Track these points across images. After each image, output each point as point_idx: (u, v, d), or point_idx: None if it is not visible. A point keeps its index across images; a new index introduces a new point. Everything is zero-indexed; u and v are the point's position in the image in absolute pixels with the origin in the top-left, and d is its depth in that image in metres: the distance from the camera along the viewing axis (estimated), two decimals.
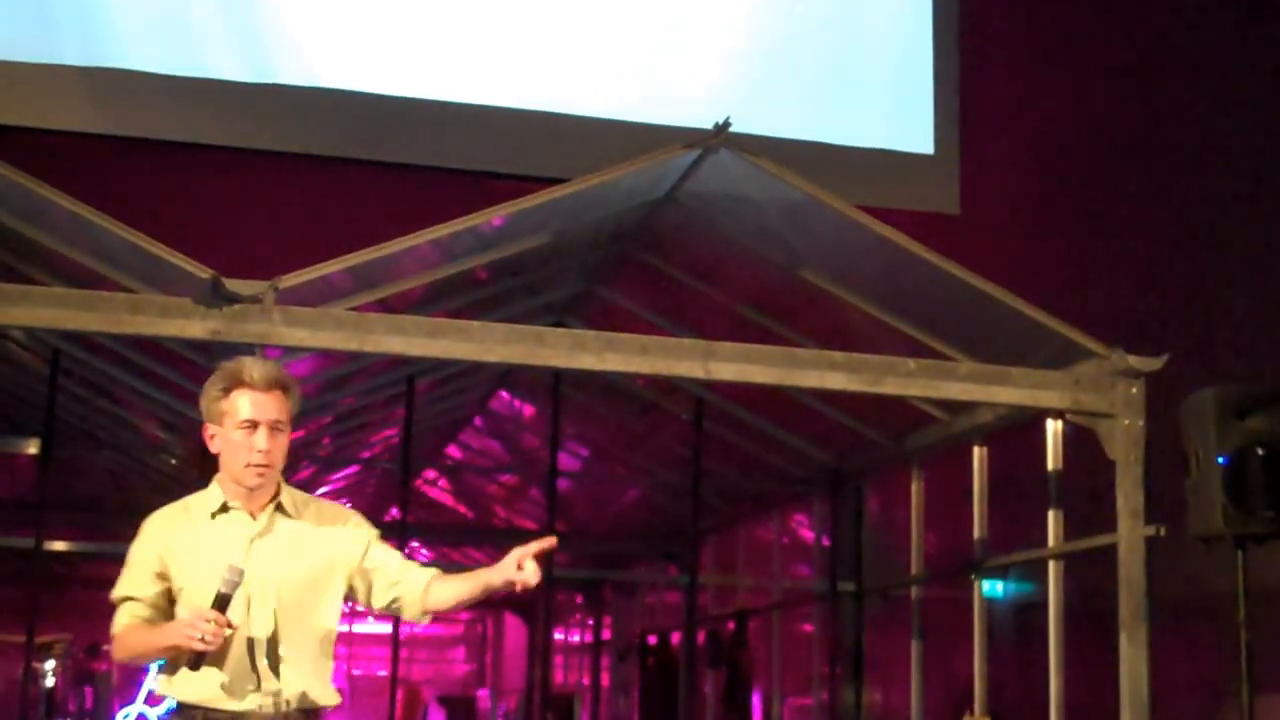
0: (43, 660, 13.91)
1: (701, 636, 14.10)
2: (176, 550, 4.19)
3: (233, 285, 7.19)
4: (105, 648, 15.82)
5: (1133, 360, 7.97)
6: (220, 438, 4.22)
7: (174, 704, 4.18)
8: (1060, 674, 8.83)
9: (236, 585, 4.00)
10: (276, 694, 4.13)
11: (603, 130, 12.47)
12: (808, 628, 13.25)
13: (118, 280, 8.12)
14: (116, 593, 4.23)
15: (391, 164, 12.53)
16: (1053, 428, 9.04)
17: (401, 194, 12.00)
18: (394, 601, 4.32)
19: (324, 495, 17.28)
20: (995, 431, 9.67)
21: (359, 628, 24.98)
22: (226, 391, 4.20)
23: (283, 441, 4.24)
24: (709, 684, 14.29)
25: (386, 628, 19.01)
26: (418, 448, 13.18)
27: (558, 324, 10.38)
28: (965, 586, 9.96)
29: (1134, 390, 8.02)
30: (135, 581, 4.20)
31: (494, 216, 8.08)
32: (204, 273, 7.16)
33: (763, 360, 7.88)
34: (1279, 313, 11.16)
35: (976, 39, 13.46)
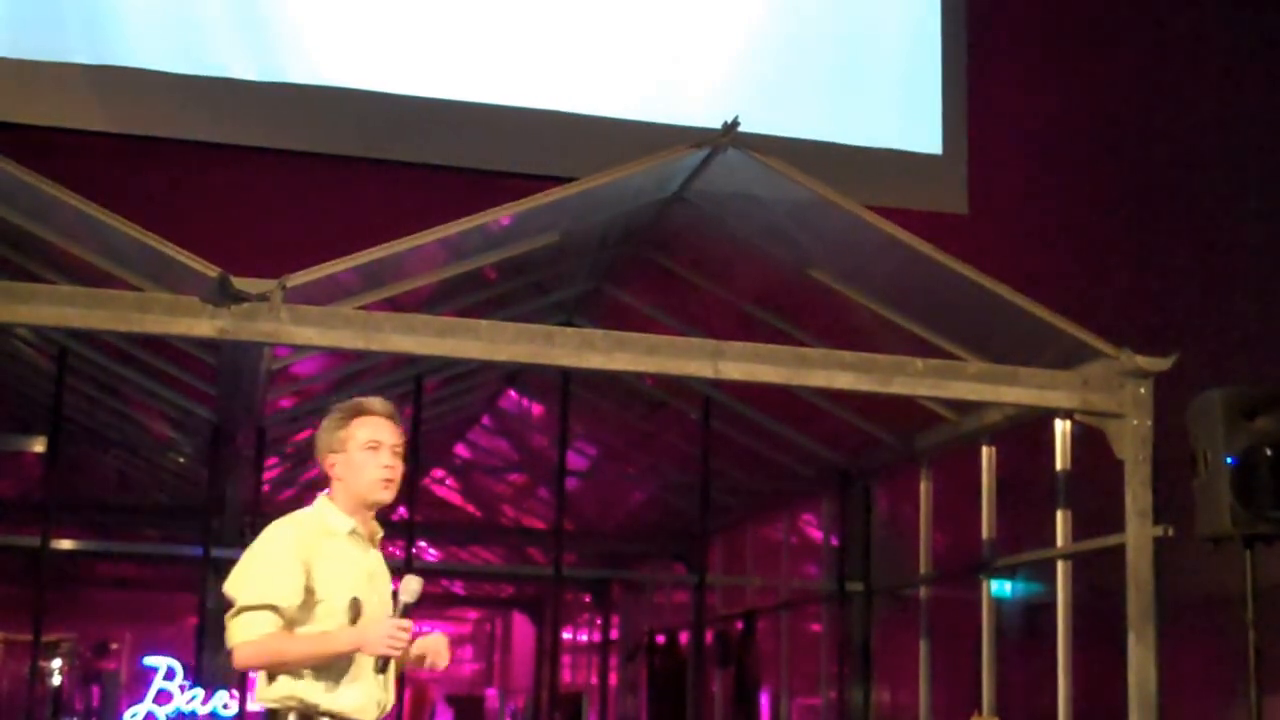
0: (49, 659, 13.93)
1: (710, 636, 14.09)
2: (320, 564, 4.36)
3: (241, 284, 7.19)
4: (113, 646, 15.86)
5: (1141, 361, 7.97)
6: (343, 462, 4.48)
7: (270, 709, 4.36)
8: (1068, 674, 8.82)
9: (417, 594, 4.32)
10: (384, 704, 4.46)
11: (612, 129, 12.45)
12: (816, 627, 13.24)
13: (126, 278, 8.12)
14: (254, 598, 4.29)
15: (400, 163, 12.52)
16: (1061, 428, 9.04)
17: (410, 193, 11.99)
18: None
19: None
20: (1004, 431, 9.66)
21: None
22: (347, 421, 4.51)
23: (401, 467, 4.53)
24: (717, 683, 14.28)
25: None
26: (426, 447, 13.19)
27: (566, 323, 10.38)
28: (974, 586, 9.95)
29: (1142, 390, 8.02)
30: (283, 590, 4.30)
31: (503, 215, 8.09)
32: (212, 271, 7.16)
33: (771, 360, 7.88)
34: None
35: (985, 38, 13.44)
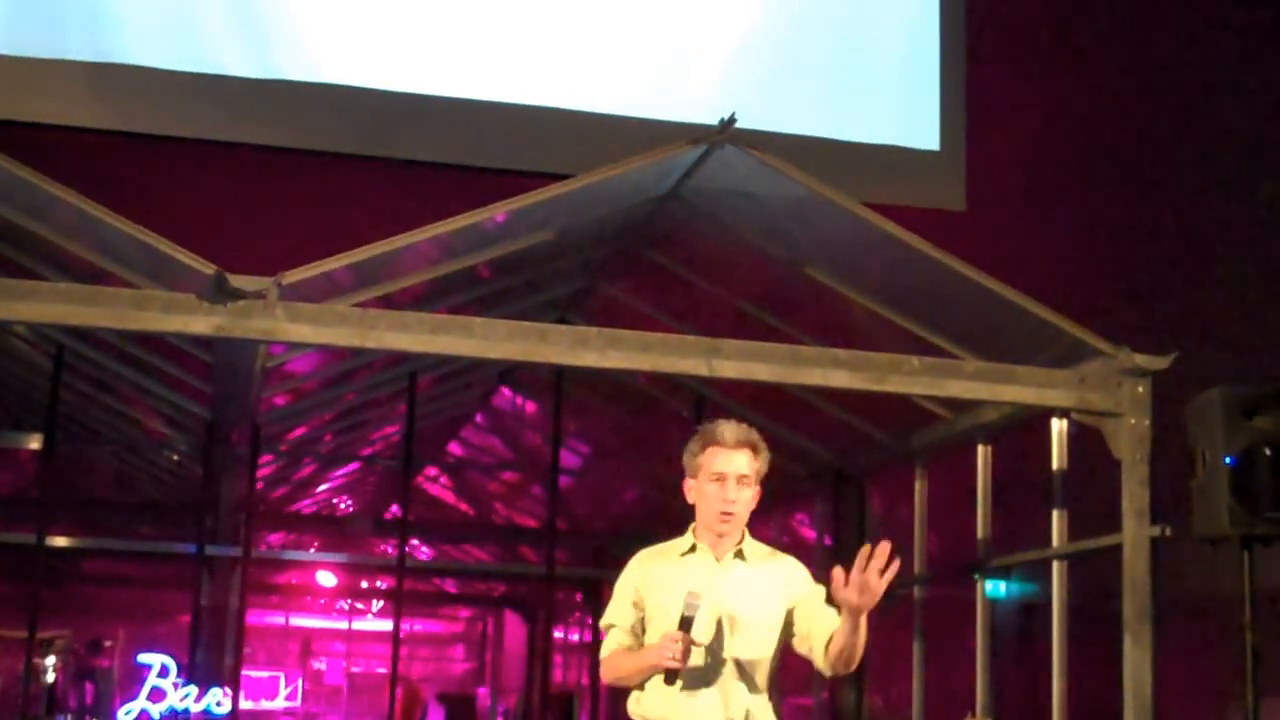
0: (43, 656, 13.90)
1: None
2: (651, 583, 4.78)
3: (237, 281, 7.18)
4: (107, 644, 15.83)
5: (1139, 359, 7.96)
6: (695, 489, 4.82)
7: None
8: (1063, 675, 8.80)
9: (696, 608, 4.52)
10: (727, 717, 4.65)
11: (607, 126, 12.44)
12: None
13: (122, 276, 8.12)
14: (604, 620, 4.88)
15: (395, 160, 12.52)
16: (1058, 427, 9.02)
17: (405, 190, 11.99)
18: (810, 651, 4.77)
19: (325, 492, 17.31)
20: (1000, 430, 9.65)
21: (358, 625, 25.05)
22: (703, 449, 4.80)
23: (748, 495, 4.77)
24: None
25: (386, 625, 19.00)
26: (419, 444, 13.18)
27: (560, 321, 10.38)
28: (968, 586, 9.94)
29: (1140, 389, 8.00)
30: (618, 610, 4.83)
31: (497, 213, 8.07)
32: (208, 268, 7.15)
33: (766, 358, 7.87)
34: None
35: (983, 34, 13.43)
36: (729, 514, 4.73)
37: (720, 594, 4.68)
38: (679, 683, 4.60)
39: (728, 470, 4.72)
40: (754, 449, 4.76)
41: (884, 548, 4.43)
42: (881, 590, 4.44)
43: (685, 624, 4.51)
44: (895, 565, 4.42)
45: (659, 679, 4.60)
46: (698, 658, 4.62)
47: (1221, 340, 10.75)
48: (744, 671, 4.68)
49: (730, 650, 4.67)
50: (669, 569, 4.78)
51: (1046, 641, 8.92)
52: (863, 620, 4.56)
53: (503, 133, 12.55)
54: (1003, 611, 10.61)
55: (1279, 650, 7.64)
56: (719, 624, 4.66)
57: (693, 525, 4.87)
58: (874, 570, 4.41)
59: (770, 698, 4.77)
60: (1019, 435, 9.64)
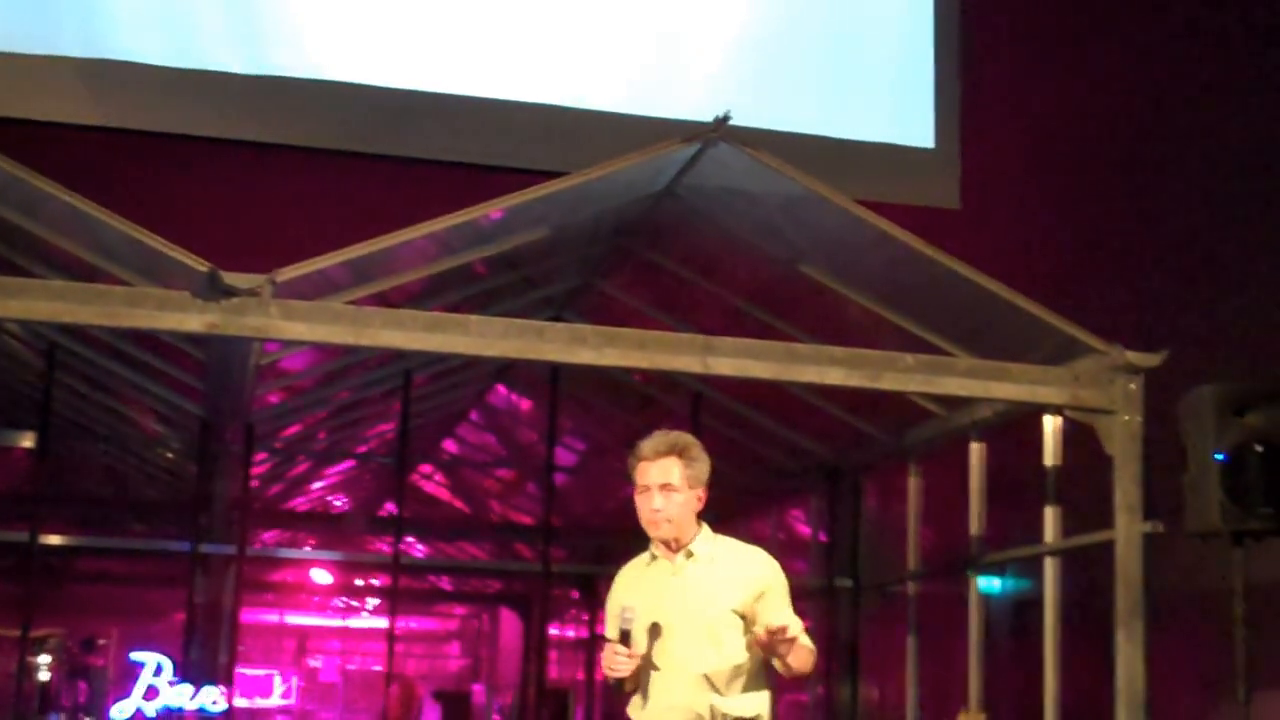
0: (37, 654, 13.91)
1: None
2: (625, 596, 4.98)
3: (230, 279, 7.18)
4: (101, 642, 15.84)
5: (1132, 356, 7.97)
6: (636, 500, 5.01)
7: None
8: (1056, 670, 8.82)
9: (631, 621, 4.79)
10: (692, 711, 4.84)
11: (602, 123, 12.44)
12: (804, 623, 13.21)
13: (115, 273, 8.11)
14: (605, 633, 5.10)
15: (389, 157, 12.51)
16: (1051, 423, 9.03)
17: (400, 187, 11.98)
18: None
19: (320, 490, 17.25)
20: (993, 427, 9.67)
21: (353, 623, 25.04)
22: (634, 465, 5.00)
23: (679, 499, 4.94)
24: None
25: (381, 623, 19.01)
26: (414, 442, 13.18)
27: (556, 318, 10.38)
28: (962, 582, 9.95)
29: (1133, 386, 8.02)
30: (609, 624, 5.05)
31: (492, 210, 8.08)
32: (201, 266, 7.14)
33: (761, 355, 7.88)
34: (1278, 309, 11.15)
35: (977, 32, 13.44)
36: (655, 522, 4.94)
37: (674, 594, 4.92)
38: (646, 686, 4.85)
39: (650, 481, 4.93)
40: (681, 454, 4.96)
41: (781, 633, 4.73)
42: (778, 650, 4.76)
43: (624, 637, 4.79)
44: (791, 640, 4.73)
45: (638, 687, 4.86)
46: (655, 660, 4.85)
47: (1213, 338, 10.76)
48: (703, 665, 4.85)
49: (685, 647, 4.86)
50: (637, 580, 5.05)
51: (1039, 637, 8.94)
52: (793, 647, 4.80)
53: (497, 130, 12.55)
54: (996, 607, 10.64)
55: (1271, 645, 7.67)
56: (673, 624, 4.87)
57: None
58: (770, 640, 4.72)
59: (748, 686, 4.93)
60: (1012, 432, 9.65)
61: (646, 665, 4.84)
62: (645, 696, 4.87)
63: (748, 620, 4.92)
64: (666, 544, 4.99)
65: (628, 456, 5.05)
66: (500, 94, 12.61)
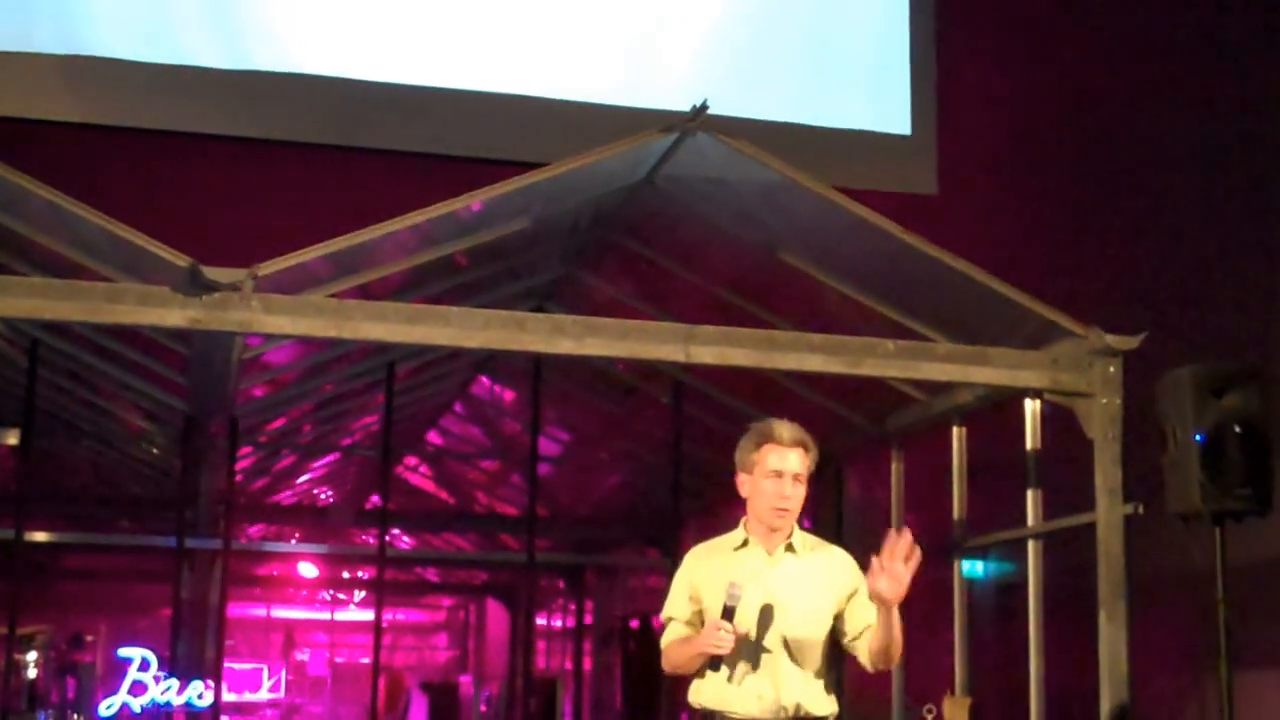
0: (24, 652, 13.90)
1: None
2: (704, 578, 4.88)
3: (211, 273, 7.19)
4: (88, 638, 15.83)
5: (1110, 339, 8.01)
6: (750, 484, 4.91)
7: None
8: (1040, 653, 8.86)
9: (738, 598, 4.65)
10: (778, 702, 4.79)
11: (581, 114, 12.44)
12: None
13: (96, 269, 8.10)
14: (663, 614, 5.02)
15: (370, 150, 12.50)
16: (1031, 407, 9.06)
17: (380, 180, 11.97)
18: (854, 646, 4.95)
19: (305, 483, 17.23)
20: (974, 411, 9.69)
21: (340, 615, 25.06)
22: (758, 445, 4.88)
23: (801, 492, 4.88)
24: None
25: (368, 615, 19.02)
26: (398, 434, 13.19)
27: (538, 309, 10.39)
28: (945, 567, 9.98)
29: (1111, 369, 8.06)
30: (675, 604, 4.96)
31: (473, 201, 8.08)
32: (182, 261, 7.15)
33: (742, 343, 7.91)
34: (1255, 291, 11.20)
35: (954, 19, 13.47)
36: (784, 510, 4.85)
37: (770, 585, 4.81)
38: (732, 671, 4.75)
39: (784, 468, 4.83)
40: (806, 448, 4.88)
41: (906, 537, 4.60)
42: (907, 580, 4.62)
43: (728, 613, 4.65)
44: (918, 556, 4.60)
45: (714, 669, 4.75)
46: (748, 646, 4.75)
47: (1191, 320, 10.81)
48: (795, 658, 4.81)
49: (780, 638, 4.79)
50: (721, 563, 4.88)
51: (1023, 620, 8.97)
52: (895, 614, 4.72)
53: (476, 121, 12.56)
54: (980, 591, 10.68)
55: (1251, 624, 7.72)
56: (769, 613, 4.78)
57: (744, 519, 4.96)
58: (899, 558, 4.59)
59: (827, 687, 4.93)
60: (994, 416, 9.68)
61: (736, 649, 4.72)
62: (729, 680, 4.77)
63: (838, 619, 4.90)
64: (774, 532, 4.89)
65: (747, 436, 4.92)
66: (479, 86, 12.61)
